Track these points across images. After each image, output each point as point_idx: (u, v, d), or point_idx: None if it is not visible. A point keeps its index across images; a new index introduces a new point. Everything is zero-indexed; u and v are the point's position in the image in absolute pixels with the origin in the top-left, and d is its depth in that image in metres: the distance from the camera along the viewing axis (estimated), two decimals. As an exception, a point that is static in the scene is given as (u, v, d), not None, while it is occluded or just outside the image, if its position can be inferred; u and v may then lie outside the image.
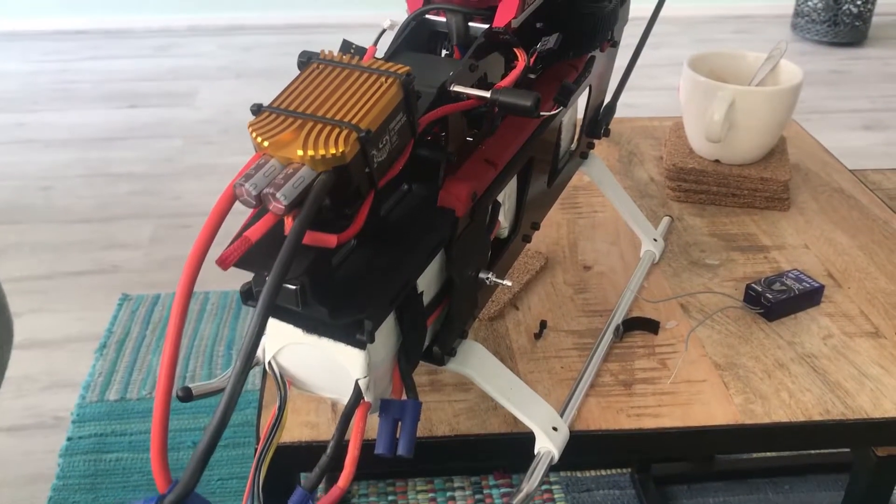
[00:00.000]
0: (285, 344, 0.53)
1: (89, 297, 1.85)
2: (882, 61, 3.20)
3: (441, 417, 0.65)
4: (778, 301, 0.75)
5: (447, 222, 0.56)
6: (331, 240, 0.46)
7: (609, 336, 0.72)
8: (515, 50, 0.59)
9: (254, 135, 0.46)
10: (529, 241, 0.71)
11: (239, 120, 2.82)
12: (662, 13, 0.76)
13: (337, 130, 0.45)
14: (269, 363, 0.54)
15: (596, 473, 1.43)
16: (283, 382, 0.54)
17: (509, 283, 0.61)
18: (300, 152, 0.44)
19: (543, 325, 0.74)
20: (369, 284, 0.50)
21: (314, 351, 0.52)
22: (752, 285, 0.77)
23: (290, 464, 0.64)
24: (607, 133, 0.82)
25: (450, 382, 0.68)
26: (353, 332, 0.50)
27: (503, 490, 1.39)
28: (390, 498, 1.37)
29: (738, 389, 0.68)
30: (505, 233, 0.68)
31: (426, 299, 0.57)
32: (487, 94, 0.53)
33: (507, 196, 0.66)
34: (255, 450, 0.60)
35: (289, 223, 0.46)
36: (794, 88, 0.90)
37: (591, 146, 0.82)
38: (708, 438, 0.65)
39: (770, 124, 0.91)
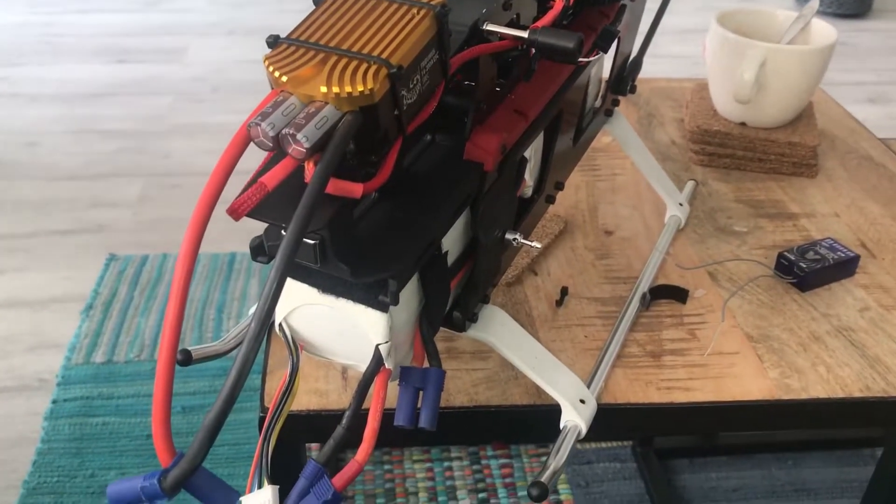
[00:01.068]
0: (299, 305, 0.48)
1: (75, 257, 1.79)
2: (886, 34, 3.16)
3: (459, 387, 0.61)
4: (812, 270, 0.71)
5: (474, 176, 0.51)
6: (356, 189, 0.41)
7: (635, 304, 0.68)
8: (552, -12, 0.54)
9: (270, 69, 0.41)
10: (553, 203, 0.67)
11: (230, 79, 2.74)
12: None
13: (365, 65, 0.40)
14: (280, 325, 0.49)
15: (596, 446, 1.40)
16: (296, 346, 0.49)
17: (538, 245, 0.57)
18: (324, 89, 0.39)
19: (565, 291, 0.69)
20: (393, 241, 0.46)
21: (331, 313, 0.47)
22: (785, 253, 0.72)
23: (297, 434, 0.59)
24: (633, 90, 0.78)
25: (467, 350, 0.63)
26: (375, 293, 0.45)
27: (501, 461, 1.36)
28: (386, 468, 1.33)
29: (773, 363, 0.64)
30: (529, 192, 0.64)
31: (449, 260, 0.52)
32: (525, 34, 0.48)
33: (533, 152, 0.62)
34: (262, 420, 0.55)
35: (310, 170, 0.41)
36: (827, 48, 0.86)
37: (616, 103, 0.78)
38: (743, 414, 0.61)
39: (801, 86, 0.86)
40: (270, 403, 0.47)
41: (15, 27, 3.16)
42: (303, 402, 0.59)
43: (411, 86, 0.42)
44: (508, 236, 0.56)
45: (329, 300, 0.47)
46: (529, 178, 0.62)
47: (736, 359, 0.64)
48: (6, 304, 1.62)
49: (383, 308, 0.46)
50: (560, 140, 0.65)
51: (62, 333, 1.60)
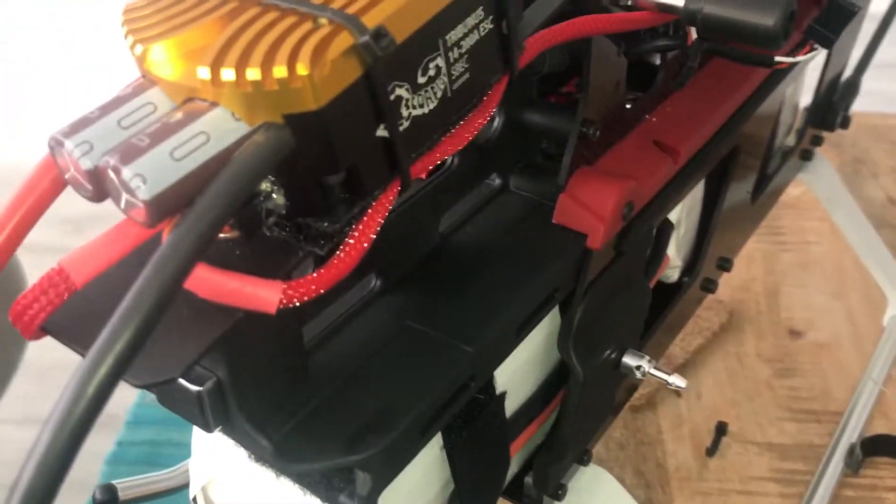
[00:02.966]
0: (221, 470, 0.27)
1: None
2: None
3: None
4: None
5: (567, 257, 0.28)
6: (267, 298, 0.19)
7: (838, 462, 0.43)
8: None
9: (125, 30, 0.19)
10: (713, 291, 0.43)
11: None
12: None
13: (307, 28, 0.18)
14: (195, 500, 0.28)
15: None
16: (214, 541, 0.28)
17: (683, 385, 0.32)
18: (205, 72, 0.18)
19: (722, 429, 0.46)
20: (382, 382, 0.24)
21: (271, 494, 0.26)
22: None
23: None
24: (845, 123, 0.53)
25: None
26: (336, 490, 0.23)
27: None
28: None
29: None
30: (675, 275, 0.40)
31: (516, 402, 0.30)
32: (679, 2, 0.25)
33: (685, 213, 0.38)
34: None
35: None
36: None
37: (819, 142, 0.53)
38: None
39: None
40: None
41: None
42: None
43: (422, 79, 0.20)
44: (629, 361, 0.33)
45: (267, 476, 0.25)
46: (676, 253, 0.39)
47: None
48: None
49: (352, 515, 0.23)
50: (731, 194, 0.41)
51: (145, 364, 1.47)
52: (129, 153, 0.17)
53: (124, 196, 0.17)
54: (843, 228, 0.54)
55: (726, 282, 0.57)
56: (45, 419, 0.16)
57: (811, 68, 0.49)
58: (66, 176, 0.18)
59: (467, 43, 0.21)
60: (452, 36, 0.20)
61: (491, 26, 0.21)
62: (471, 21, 0.21)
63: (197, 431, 0.28)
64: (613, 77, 0.30)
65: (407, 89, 0.20)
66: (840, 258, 0.60)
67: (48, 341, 0.23)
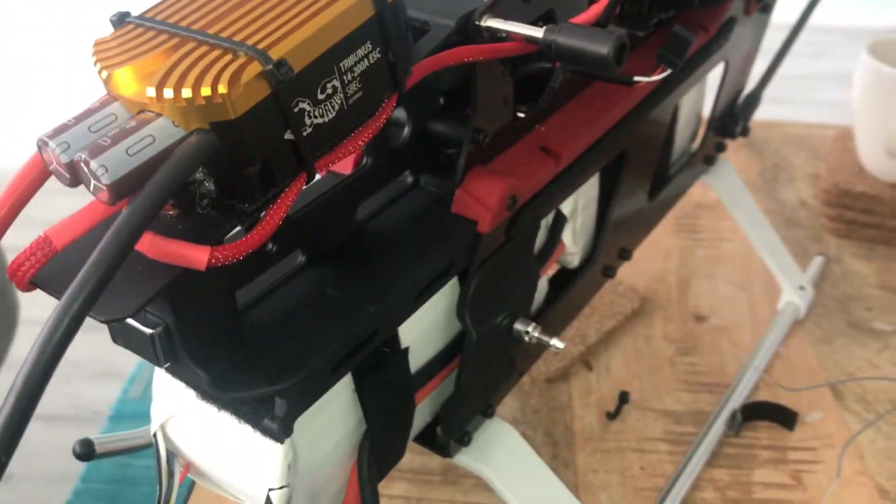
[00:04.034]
0: (177, 409, 0.33)
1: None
2: None
3: (448, 529, 0.44)
4: None
5: (462, 240, 0.35)
6: (198, 257, 0.25)
7: (720, 426, 0.49)
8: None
9: (94, 59, 0.26)
10: (613, 276, 0.49)
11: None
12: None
13: (227, 58, 0.24)
14: (155, 436, 0.34)
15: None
16: (171, 469, 0.34)
17: (561, 346, 0.39)
18: (151, 91, 0.24)
19: (624, 397, 0.51)
20: (302, 333, 0.30)
21: (216, 428, 0.32)
22: (946, 371, 0.51)
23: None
24: (745, 132, 0.59)
25: (471, 473, 0.46)
26: (261, 414, 0.30)
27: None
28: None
29: (918, 538, 0.44)
30: (575, 261, 0.46)
31: (421, 357, 0.36)
32: (538, 34, 0.32)
33: (580, 206, 0.45)
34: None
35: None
36: None
37: (722, 149, 0.59)
38: None
39: (983, 139, 0.65)
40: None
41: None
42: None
43: (319, 95, 0.26)
44: (519, 327, 0.39)
45: (211, 410, 0.31)
46: (573, 242, 0.45)
47: (860, 526, 0.44)
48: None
49: (275, 437, 0.30)
50: (626, 191, 0.47)
51: (127, 363, 1.52)
52: (95, 150, 0.23)
53: (93, 182, 0.23)
54: (742, 226, 0.60)
55: (641, 272, 0.64)
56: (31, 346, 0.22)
57: (714, 81, 0.56)
58: (50, 168, 0.24)
59: (359, 68, 0.27)
60: (346, 63, 0.27)
61: (379, 55, 0.28)
62: (361, 51, 0.27)
63: (156, 381, 0.34)
64: (500, 93, 0.36)
65: (308, 104, 0.26)
66: (749, 256, 0.65)
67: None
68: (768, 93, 0.59)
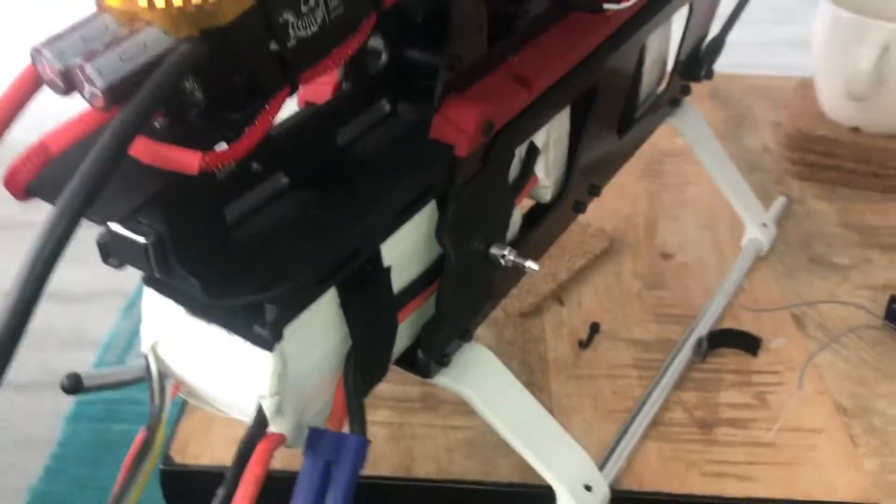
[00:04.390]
0: (166, 329, 0.34)
1: (129, 250, 1.71)
2: None
3: (428, 450, 0.45)
4: (938, 323, 0.52)
5: (440, 164, 0.36)
6: (189, 160, 0.26)
7: (687, 352, 0.51)
8: None
9: (86, -23, 0.27)
10: (583, 211, 0.51)
11: None
12: None
13: (215, -32, 0.25)
14: (146, 356, 0.35)
15: None
16: (163, 387, 0.35)
17: (536, 268, 0.41)
18: (141, 3, 0.25)
19: (595, 328, 0.53)
20: (288, 248, 0.31)
21: (205, 343, 0.33)
22: (900, 298, 0.54)
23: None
24: (709, 75, 0.61)
25: (449, 399, 0.48)
26: (251, 322, 0.31)
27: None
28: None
29: (873, 449, 0.46)
30: (547, 195, 0.48)
31: (403, 278, 0.38)
32: (511, -42, 0.33)
33: (552, 140, 0.46)
34: (162, 475, 0.43)
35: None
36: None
37: (687, 91, 0.61)
38: (823, 522, 0.44)
39: (937, 82, 0.67)
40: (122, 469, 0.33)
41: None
42: (218, 455, 0.44)
43: (303, 8, 0.27)
44: (495, 251, 0.41)
45: (200, 326, 0.33)
46: (546, 175, 0.47)
47: (819, 439, 0.47)
48: (47, 296, 1.55)
49: (265, 345, 0.31)
50: (596, 128, 0.49)
51: (101, 331, 1.52)
52: (90, 55, 0.24)
53: (87, 87, 0.24)
54: (707, 167, 0.61)
55: (612, 215, 0.65)
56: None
57: (678, 28, 0.58)
58: (45, 77, 0.25)
59: (342, -16, 0.29)
60: (329, -22, 0.28)
61: (361, -26, 0.29)
62: (342, -33, 0.28)
63: (144, 302, 0.35)
64: (475, 21, 0.37)
65: (293, 15, 0.27)
66: (713, 197, 0.66)
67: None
68: (731, 58, 0.61)
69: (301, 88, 0.30)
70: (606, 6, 0.37)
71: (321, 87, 0.37)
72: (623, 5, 0.39)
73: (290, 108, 0.31)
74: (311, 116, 0.34)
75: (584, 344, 0.52)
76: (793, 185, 0.71)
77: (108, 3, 0.26)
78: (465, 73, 0.37)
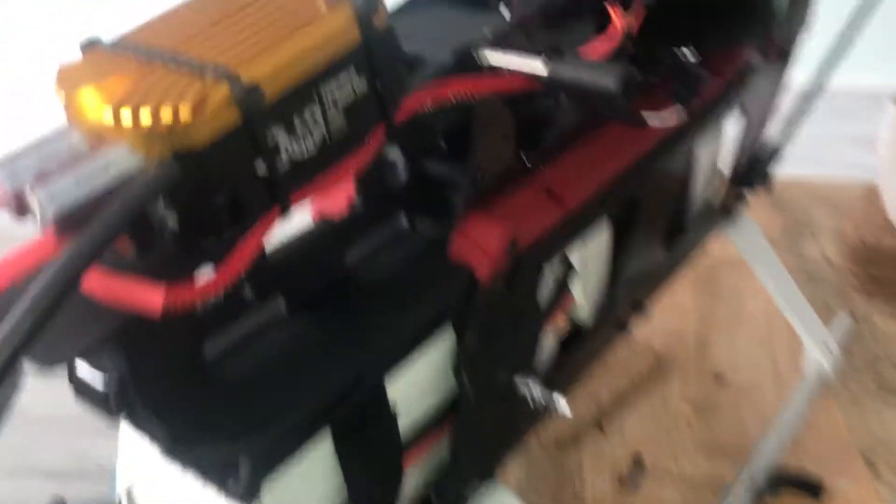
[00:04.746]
0: (142, 470, 0.30)
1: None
2: None
3: None
4: None
5: (458, 287, 0.32)
6: (152, 300, 0.23)
7: (743, 496, 0.45)
8: (607, 6, 0.35)
9: (57, 85, 0.24)
10: (627, 332, 0.46)
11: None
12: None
13: (196, 81, 0.22)
14: (119, 500, 0.32)
15: None
16: (137, 535, 0.31)
17: (568, 414, 0.36)
18: (108, 116, 0.22)
19: (639, 462, 0.48)
20: (276, 383, 0.27)
21: (180, 489, 0.29)
22: None
23: None
24: (766, 183, 0.56)
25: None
26: (226, 474, 0.27)
27: None
28: None
29: None
30: (586, 315, 0.43)
31: (411, 417, 0.33)
32: (541, 67, 0.30)
33: (590, 257, 0.42)
34: None
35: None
36: None
37: (742, 199, 0.56)
38: None
39: None
40: None
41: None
42: None
43: (297, 125, 0.24)
44: (520, 385, 0.36)
45: (174, 470, 0.29)
46: (583, 294, 0.42)
47: None
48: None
49: (241, 499, 0.27)
50: (640, 240, 0.45)
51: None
52: (43, 178, 0.21)
53: (39, 213, 0.21)
54: (763, 281, 0.57)
55: (659, 330, 0.61)
56: None
57: (732, 134, 0.54)
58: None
59: (342, 97, 0.25)
60: (328, 89, 0.25)
61: (364, 84, 0.26)
62: (344, 77, 0.25)
63: (123, 436, 0.32)
64: (501, 132, 0.34)
65: (284, 133, 0.24)
66: (771, 314, 0.62)
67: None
68: (791, 152, 0.57)
69: (314, 199, 0.26)
70: (647, 115, 0.34)
71: (336, 196, 0.34)
72: (665, 116, 0.35)
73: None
74: (315, 235, 0.31)
75: (627, 482, 0.47)
76: (857, 300, 0.65)
77: (76, 117, 0.23)
78: (491, 185, 0.34)
